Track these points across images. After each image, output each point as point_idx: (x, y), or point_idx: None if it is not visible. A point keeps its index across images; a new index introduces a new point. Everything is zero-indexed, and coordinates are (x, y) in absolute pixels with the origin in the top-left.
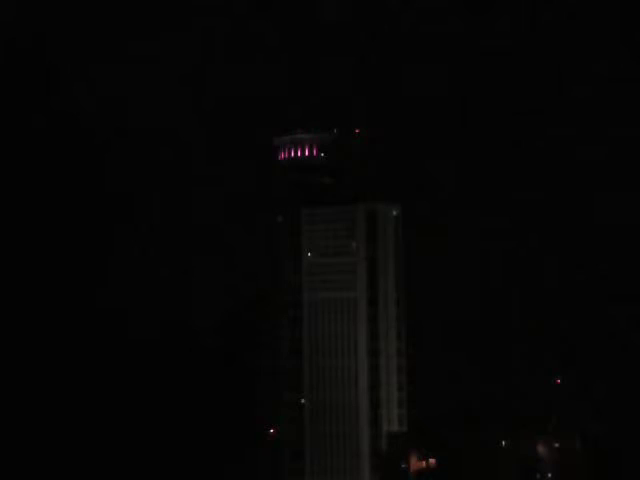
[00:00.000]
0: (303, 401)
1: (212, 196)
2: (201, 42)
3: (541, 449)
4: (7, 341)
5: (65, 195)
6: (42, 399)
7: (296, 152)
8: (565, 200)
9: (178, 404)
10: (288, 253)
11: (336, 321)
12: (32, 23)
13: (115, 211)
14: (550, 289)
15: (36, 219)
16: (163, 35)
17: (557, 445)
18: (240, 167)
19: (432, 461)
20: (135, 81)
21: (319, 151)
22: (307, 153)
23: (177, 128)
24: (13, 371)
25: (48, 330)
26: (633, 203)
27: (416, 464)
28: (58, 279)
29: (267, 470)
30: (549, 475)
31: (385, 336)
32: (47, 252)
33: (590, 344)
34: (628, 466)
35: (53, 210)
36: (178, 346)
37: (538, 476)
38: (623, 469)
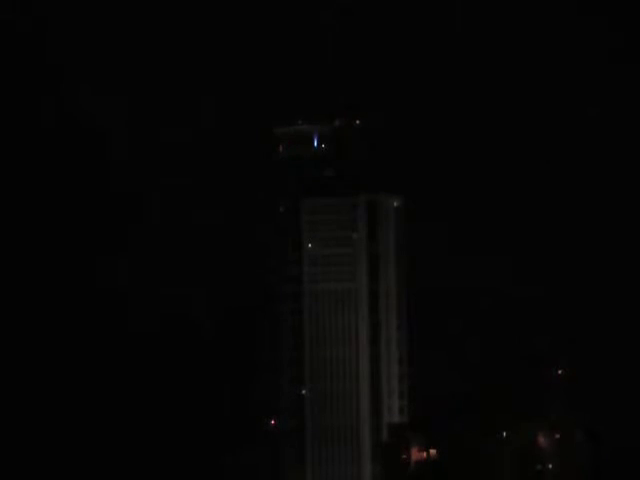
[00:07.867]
0: (304, 392)
1: (212, 188)
2: (201, 35)
3: (542, 440)
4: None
5: (69, 187)
6: (38, 389)
7: (296, 143)
8: (574, 195)
9: (176, 396)
10: (289, 244)
11: (337, 312)
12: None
13: (118, 205)
14: (553, 282)
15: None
16: (162, 28)
17: (558, 436)
18: (240, 159)
19: (433, 452)
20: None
21: (319, 142)
22: (307, 144)
23: (175, 122)
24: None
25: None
26: None
27: (417, 455)
28: (58, 277)
29: (267, 461)
30: (549, 466)
31: (386, 327)
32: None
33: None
34: (628, 458)
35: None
36: (177, 338)
37: (539, 467)
38: (623, 461)
